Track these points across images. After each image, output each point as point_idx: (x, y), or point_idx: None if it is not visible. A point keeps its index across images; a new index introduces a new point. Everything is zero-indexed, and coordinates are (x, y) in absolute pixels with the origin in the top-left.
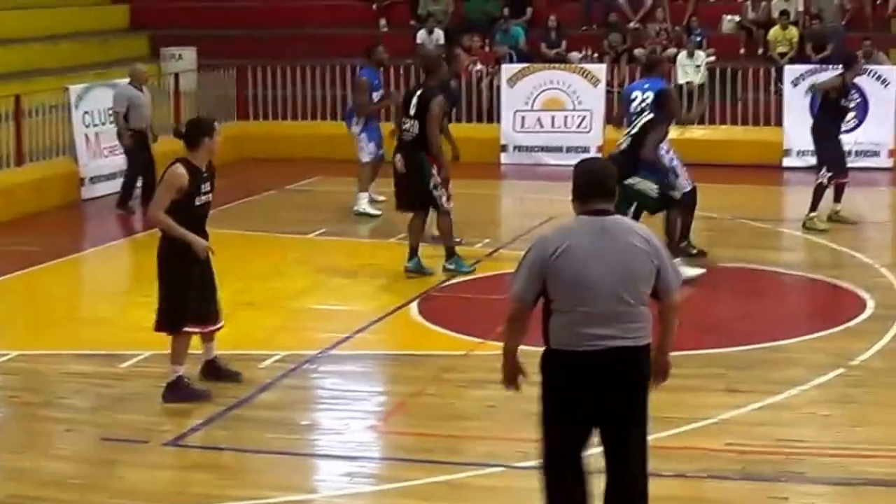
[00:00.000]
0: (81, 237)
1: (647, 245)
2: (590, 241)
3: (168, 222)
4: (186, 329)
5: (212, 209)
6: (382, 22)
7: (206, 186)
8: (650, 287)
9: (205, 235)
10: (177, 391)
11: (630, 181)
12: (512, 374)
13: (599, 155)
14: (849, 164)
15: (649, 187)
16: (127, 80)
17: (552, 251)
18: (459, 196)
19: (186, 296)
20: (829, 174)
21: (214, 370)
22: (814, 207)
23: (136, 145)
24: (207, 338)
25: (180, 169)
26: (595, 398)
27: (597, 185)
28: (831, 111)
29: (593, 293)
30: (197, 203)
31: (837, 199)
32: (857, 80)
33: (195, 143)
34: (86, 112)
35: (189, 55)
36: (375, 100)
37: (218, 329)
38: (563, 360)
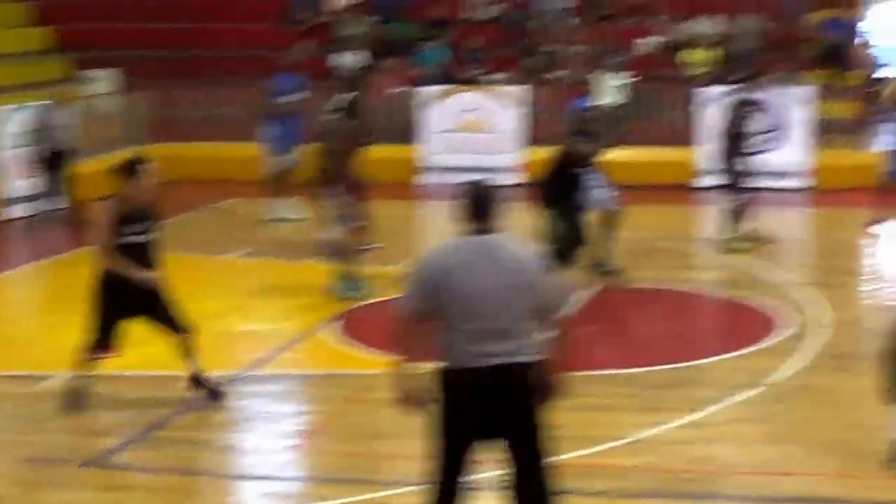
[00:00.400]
0: (2, 258)
1: (527, 263)
2: (472, 259)
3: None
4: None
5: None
6: (303, 44)
7: (137, 227)
8: (532, 303)
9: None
10: None
11: (549, 211)
12: (405, 394)
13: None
14: (763, 184)
15: (554, 227)
16: (49, 101)
17: (437, 269)
18: (379, 217)
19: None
20: (739, 195)
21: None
22: (732, 228)
23: (51, 165)
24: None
25: (110, 207)
26: (485, 415)
27: (475, 207)
28: (733, 133)
29: (477, 310)
30: (124, 242)
31: (749, 218)
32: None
33: (125, 182)
34: (10, 134)
35: (111, 77)
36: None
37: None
38: (452, 377)
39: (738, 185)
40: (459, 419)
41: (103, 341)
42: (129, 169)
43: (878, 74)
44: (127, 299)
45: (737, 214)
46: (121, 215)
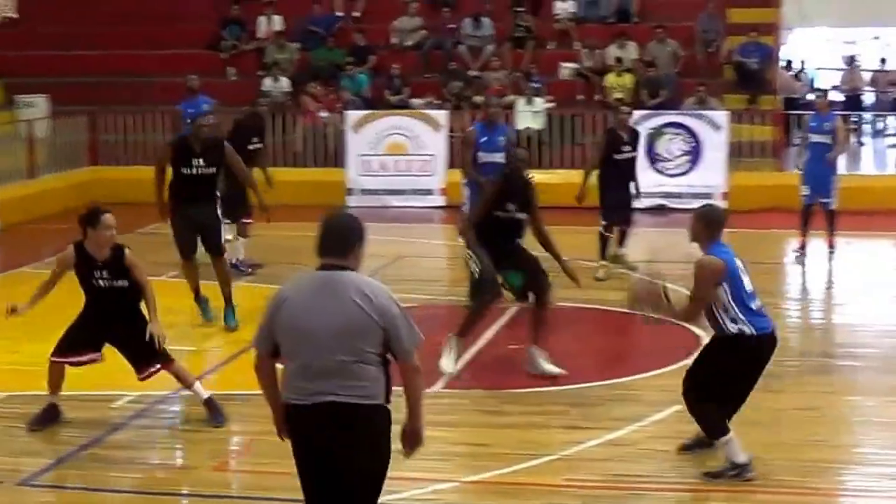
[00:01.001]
0: None
1: (370, 303)
2: (311, 294)
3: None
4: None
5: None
6: (231, 70)
7: (101, 274)
8: (375, 345)
9: (118, 319)
10: None
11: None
12: (277, 424)
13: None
14: (680, 206)
15: (473, 267)
16: None
17: (277, 303)
18: (305, 239)
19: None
20: (604, 222)
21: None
22: (601, 254)
23: None
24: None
25: (69, 251)
26: (312, 452)
27: (327, 240)
28: (607, 162)
29: (308, 347)
30: (94, 287)
31: (620, 243)
32: (688, 123)
33: (84, 232)
34: None
35: (42, 102)
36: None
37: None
38: (290, 411)
39: (605, 213)
40: (295, 452)
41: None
42: (83, 220)
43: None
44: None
45: (607, 241)
46: (82, 262)
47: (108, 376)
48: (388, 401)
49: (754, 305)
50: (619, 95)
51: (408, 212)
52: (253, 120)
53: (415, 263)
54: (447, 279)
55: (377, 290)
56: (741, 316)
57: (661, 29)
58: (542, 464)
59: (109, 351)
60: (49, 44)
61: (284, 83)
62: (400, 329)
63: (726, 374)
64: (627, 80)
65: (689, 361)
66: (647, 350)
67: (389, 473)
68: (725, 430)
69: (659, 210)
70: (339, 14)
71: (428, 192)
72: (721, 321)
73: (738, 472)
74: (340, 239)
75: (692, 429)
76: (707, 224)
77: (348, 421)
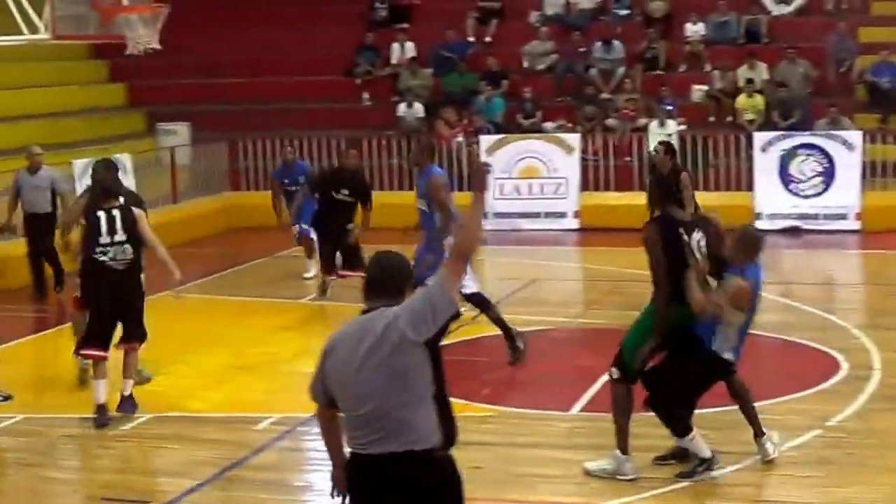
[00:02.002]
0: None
1: (398, 323)
2: (356, 341)
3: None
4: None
5: (204, 277)
6: (365, 96)
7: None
8: (422, 374)
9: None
10: None
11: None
12: (333, 478)
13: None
14: (812, 227)
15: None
16: (125, 155)
17: (326, 352)
18: None
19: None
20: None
21: None
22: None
23: (28, 229)
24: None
25: None
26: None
27: (379, 282)
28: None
29: (355, 396)
30: None
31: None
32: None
33: None
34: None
35: (183, 130)
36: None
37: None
38: (350, 461)
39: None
40: (353, 500)
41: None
42: None
43: None
44: None
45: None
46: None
47: (250, 399)
48: (447, 442)
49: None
50: (750, 117)
51: (541, 235)
52: (336, 172)
53: (548, 287)
54: (581, 302)
55: (398, 310)
56: (737, 345)
57: (792, 49)
58: (680, 488)
59: (255, 375)
60: (189, 73)
61: (418, 109)
62: (418, 299)
63: (699, 386)
64: (759, 101)
65: (828, 385)
66: (786, 373)
67: (527, 496)
68: (690, 429)
69: (793, 231)
70: (471, 39)
71: (561, 215)
72: (719, 342)
73: (707, 467)
74: (393, 280)
75: (833, 454)
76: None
77: (404, 469)
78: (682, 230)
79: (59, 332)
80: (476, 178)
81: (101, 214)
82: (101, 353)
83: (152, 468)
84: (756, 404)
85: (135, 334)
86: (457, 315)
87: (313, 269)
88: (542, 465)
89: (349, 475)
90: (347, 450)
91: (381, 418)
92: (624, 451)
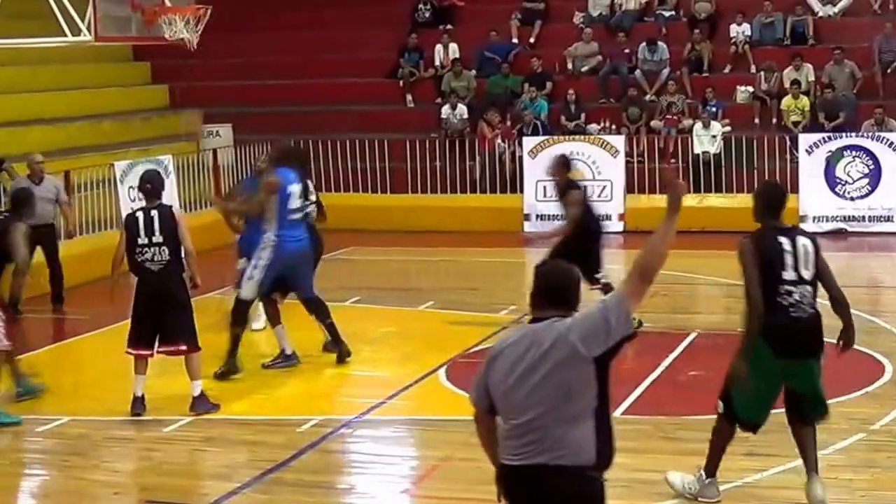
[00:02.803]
0: (128, 306)
1: (569, 336)
2: (523, 350)
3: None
4: None
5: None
6: (409, 98)
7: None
8: (587, 389)
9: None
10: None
11: None
12: (497, 483)
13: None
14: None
15: None
16: (167, 156)
17: (490, 358)
18: (484, 264)
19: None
20: None
21: None
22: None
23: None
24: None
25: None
26: None
27: (548, 292)
28: None
29: (515, 406)
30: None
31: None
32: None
33: None
34: (131, 187)
35: (226, 132)
36: None
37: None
38: (503, 471)
39: None
40: None
41: None
42: None
43: None
44: None
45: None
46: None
47: (293, 401)
48: (602, 462)
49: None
50: (796, 119)
51: None
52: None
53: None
54: None
55: (571, 321)
56: None
57: (838, 50)
58: (723, 491)
59: (298, 377)
60: (232, 75)
61: (462, 110)
62: (594, 315)
63: None
64: (804, 102)
65: (873, 388)
66: (830, 376)
67: None
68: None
69: (838, 234)
70: (515, 41)
71: (606, 217)
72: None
73: None
74: (565, 291)
75: (878, 457)
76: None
77: (555, 484)
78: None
79: (94, 337)
80: (671, 197)
81: (140, 215)
82: (145, 353)
83: (194, 470)
84: None
85: (177, 337)
86: (632, 336)
87: None
88: None
89: (504, 486)
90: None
91: (538, 430)
92: (711, 474)
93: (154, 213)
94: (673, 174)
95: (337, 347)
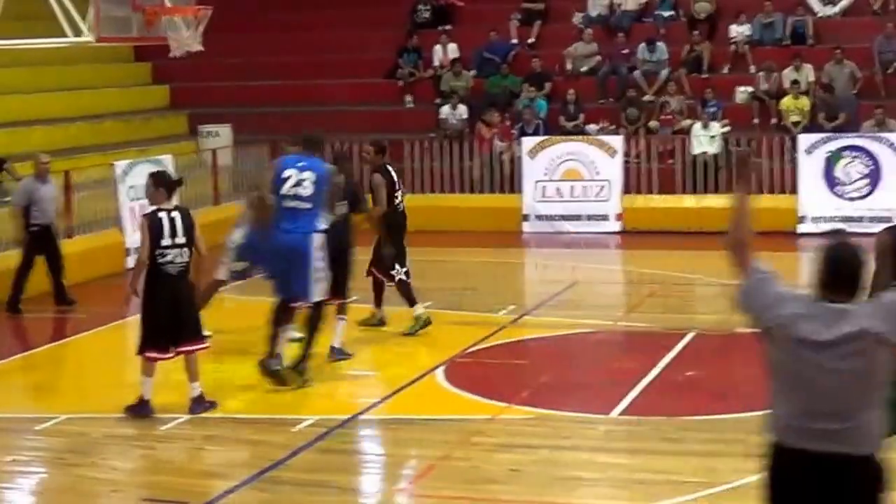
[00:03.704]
0: (125, 306)
1: (869, 327)
2: (819, 322)
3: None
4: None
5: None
6: (408, 98)
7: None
8: (881, 376)
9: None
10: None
11: None
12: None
13: (845, 232)
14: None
15: None
16: (167, 156)
17: (782, 314)
18: (482, 264)
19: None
20: None
21: None
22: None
23: (35, 242)
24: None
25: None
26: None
27: (836, 278)
28: None
29: (805, 384)
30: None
31: None
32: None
33: None
34: (130, 186)
35: (225, 132)
36: None
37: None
38: (773, 451)
39: None
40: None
41: None
42: None
43: None
44: None
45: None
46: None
47: (289, 400)
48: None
49: None
50: (795, 119)
51: (583, 237)
52: None
53: (590, 289)
54: (623, 305)
55: (875, 306)
56: None
57: (838, 50)
58: (721, 492)
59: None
60: (232, 75)
61: (462, 110)
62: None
63: None
64: (804, 103)
65: None
66: None
67: (568, 499)
68: None
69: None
70: (514, 41)
71: (603, 217)
72: None
73: None
74: (859, 276)
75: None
76: None
77: (838, 472)
78: None
79: (94, 335)
80: (741, 173)
81: (163, 216)
82: (160, 356)
83: (192, 469)
84: None
85: (199, 336)
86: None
87: None
88: (582, 468)
89: (771, 467)
90: (773, 439)
91: (831, 416)
92: None
93: (175, 214)
94: (746, 153)
95: (277, 362)
